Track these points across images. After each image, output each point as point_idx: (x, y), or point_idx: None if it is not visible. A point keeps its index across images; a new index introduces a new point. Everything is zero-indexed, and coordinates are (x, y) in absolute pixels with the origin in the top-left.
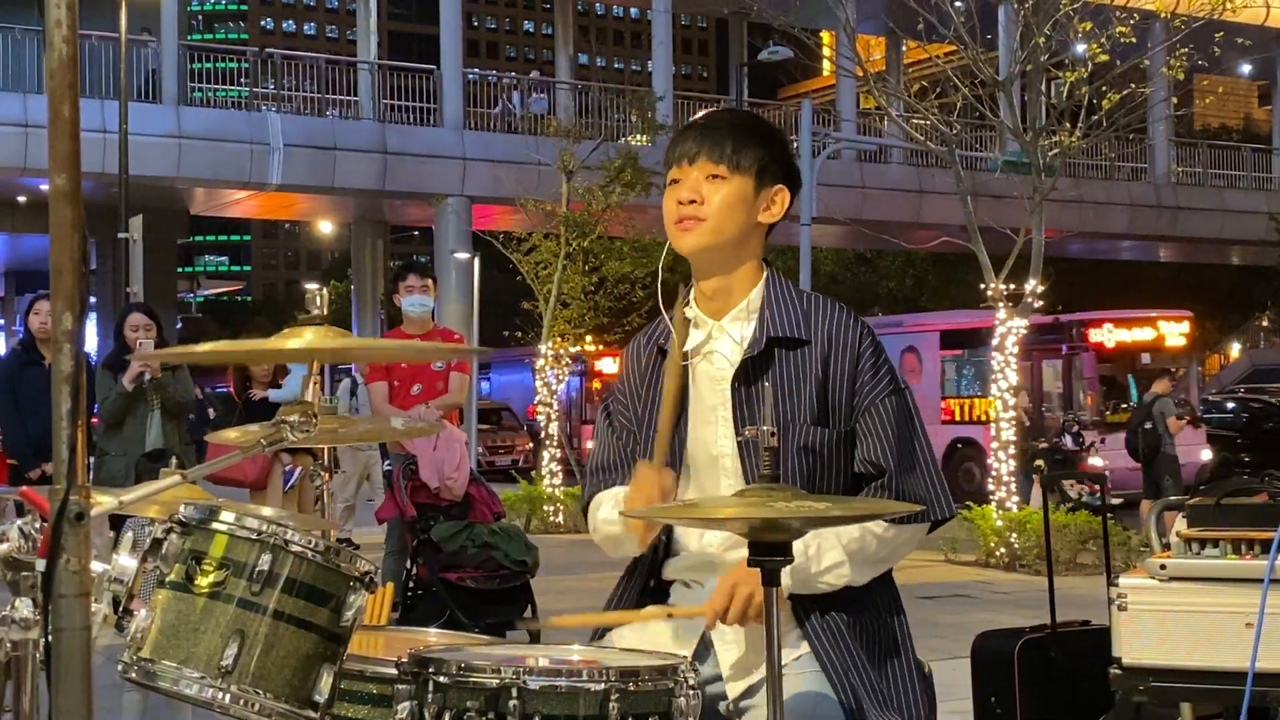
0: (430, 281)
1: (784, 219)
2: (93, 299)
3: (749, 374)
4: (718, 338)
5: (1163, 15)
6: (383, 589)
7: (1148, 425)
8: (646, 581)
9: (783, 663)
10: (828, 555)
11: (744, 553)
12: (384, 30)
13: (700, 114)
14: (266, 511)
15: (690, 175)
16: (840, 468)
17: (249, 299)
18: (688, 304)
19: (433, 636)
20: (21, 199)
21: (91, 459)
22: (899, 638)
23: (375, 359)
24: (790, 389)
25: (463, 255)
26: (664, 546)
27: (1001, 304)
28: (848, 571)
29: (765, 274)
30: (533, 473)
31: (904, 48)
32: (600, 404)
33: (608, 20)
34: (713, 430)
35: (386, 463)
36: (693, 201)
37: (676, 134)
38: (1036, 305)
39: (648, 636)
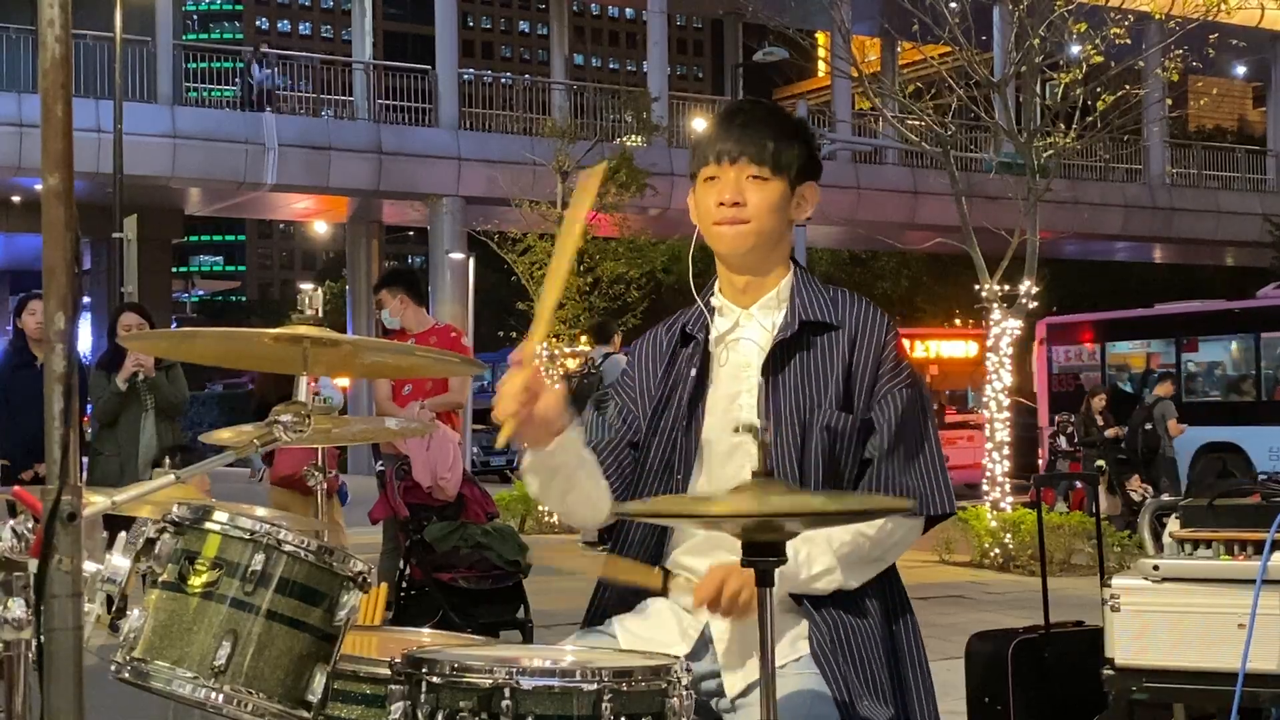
0: (389, 291)
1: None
2: (87, 299)
3: (781, 357)
4: (745, 324)
5: (1157, 17)
6: (376, 589)
7: (1148, 426)
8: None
9: (782, 663)
10: (818, 561)
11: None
12: (379, 30)
13: (732, 106)
14: (260, 511)
15: (729, 175)
16: (858, 454)
17: (244, 299)
18: (713, 294)
19: (426, 637)
20: (16, 199)
21: (85, 459)
22: (905, 638)
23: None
24: (819, 370)
25: (458, 256)
26: (670, 533)
27: (996, 305)
28: (839, 577)
29: (793, 268)
30: None
31: (899, 49)
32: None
33: (603, 21)
34: (734, 418)
35: (379, 463)
36: (736, 204)
37: (713, 128)
38: (1031, 306)
39: (647, 629)
